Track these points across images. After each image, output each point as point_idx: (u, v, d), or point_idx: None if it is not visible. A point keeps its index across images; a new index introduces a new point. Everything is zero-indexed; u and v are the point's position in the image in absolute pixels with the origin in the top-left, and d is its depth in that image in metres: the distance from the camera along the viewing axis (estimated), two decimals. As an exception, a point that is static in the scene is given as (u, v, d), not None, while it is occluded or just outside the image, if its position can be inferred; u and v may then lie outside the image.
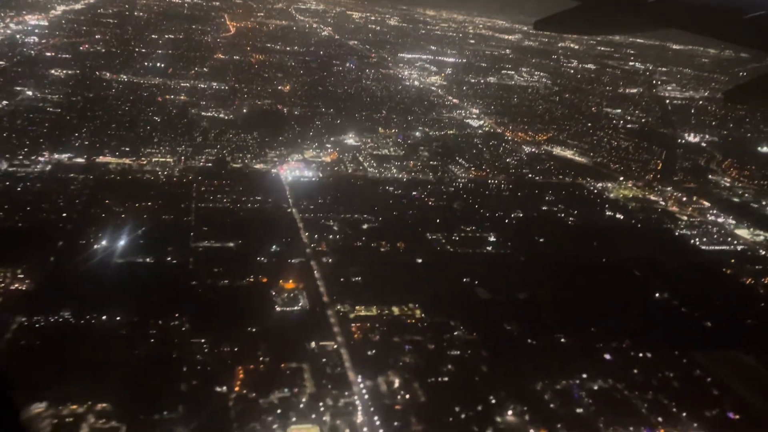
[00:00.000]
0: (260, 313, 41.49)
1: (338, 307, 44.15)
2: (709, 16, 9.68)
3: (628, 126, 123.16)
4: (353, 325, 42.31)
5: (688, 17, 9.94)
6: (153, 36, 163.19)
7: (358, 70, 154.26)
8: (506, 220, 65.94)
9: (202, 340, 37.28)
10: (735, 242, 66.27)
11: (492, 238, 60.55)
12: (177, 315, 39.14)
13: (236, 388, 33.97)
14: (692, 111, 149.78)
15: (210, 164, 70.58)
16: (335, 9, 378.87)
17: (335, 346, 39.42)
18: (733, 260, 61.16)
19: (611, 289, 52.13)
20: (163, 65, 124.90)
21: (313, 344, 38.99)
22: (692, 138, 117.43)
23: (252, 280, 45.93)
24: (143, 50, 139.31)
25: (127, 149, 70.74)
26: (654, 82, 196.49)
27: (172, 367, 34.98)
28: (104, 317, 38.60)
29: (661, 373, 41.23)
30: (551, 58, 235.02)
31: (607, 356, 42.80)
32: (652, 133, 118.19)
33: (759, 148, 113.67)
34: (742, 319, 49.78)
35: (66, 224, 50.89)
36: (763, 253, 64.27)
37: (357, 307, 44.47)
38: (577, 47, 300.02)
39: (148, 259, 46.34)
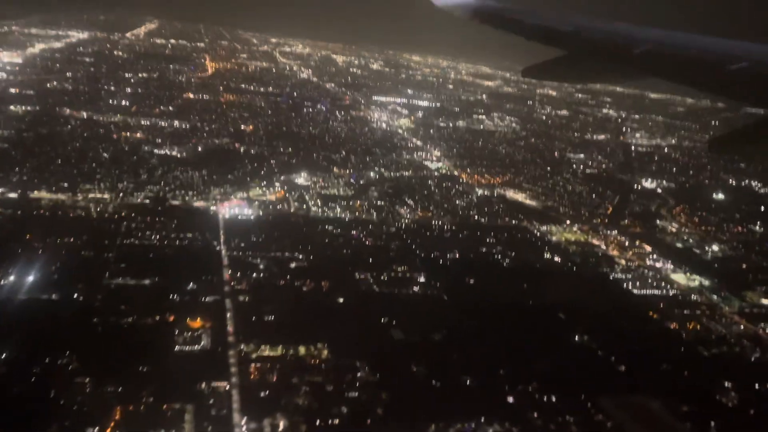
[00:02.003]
0: (157, 353, 40.80)
1: (242, 346, 43.56)
2: (693, 68, 9.93)
3: (587, 171, 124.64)
4: (253, 365, 41.69)
5: (673, 68, 10.20)
6: (126, 75, 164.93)
7: (328, 112, 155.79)
8: (440, 261, 65.96)
9: (87, 380, 36.47)
10: (669, 287, 66.39)
11: (421, 279, 60.43)
12: (67, 353, 38.36)
13: (108, 430, 33.10)
14: (655, 158, 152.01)
15: (147, 201, 70.34)
16: (320, 52, 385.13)
17: (227, 387, 38.71)
18: (662, 305, 61.14)
19: (531, 331, 51.87)
20: (128, 103, 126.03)
21: (203, 385, 38.25)
22: (649, 184, 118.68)
23: (158, 318, 45.34)
24: (112, 88, 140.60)
25: (66, 185, 70.63)
26: (623, 129, 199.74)
27: (47, 406, 34.13)
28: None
29: (561, 418, 40.71)
30: (526, 104, 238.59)
31: (510, 399, 42.28)
32: (610, 178, 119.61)
33: (714, 195, 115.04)
34: (658, 364, 49.49)
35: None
36: (695, 298, 64.34)
37: (262, 347, 43.89)
38: (555, 94, 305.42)
39: (53, 296, 45.74)
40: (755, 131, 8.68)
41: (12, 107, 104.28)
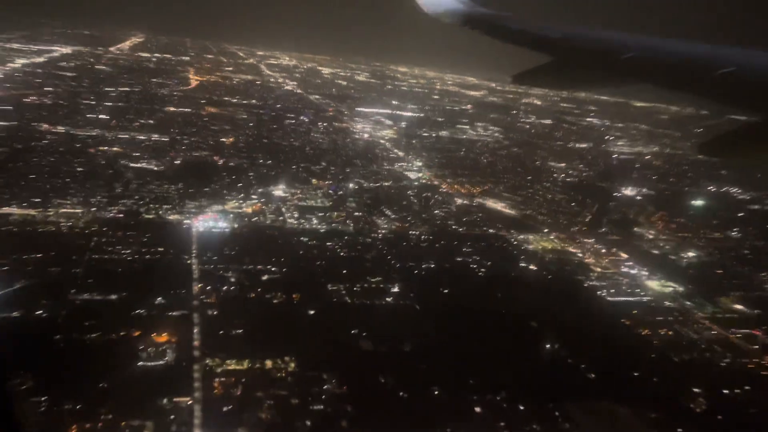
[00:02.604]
0: (119, 369, 40.31)
1: (207, 361, 43.14)
2: (680, 73, 9.99)
3: (568, 180, 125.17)
4: (217, 380, 41.26)
5: (660, 73, 10.24)
6: (107, 89, 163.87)
7: (310, 123, 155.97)
8: (415, 271, 65.83)
9: (43, 398, 35.91)
10: (643, 294, 66.63)
11: (395, 289, 60.21)
12: (23, 372, 37.76)
13: (63, 448, 32.62)
14: (636, 165, 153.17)
15: (120, 215, 69.82)
16: (306, 65, 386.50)
17: (189, 402, 38.27)
18: (635, 311, 61.28)
19: (502, 340, 51.80)
20: (107, 117, 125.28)
21: (165, 401, 37.80)
22: (628, 191, 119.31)
23: (123, 334, 44.78)
24: (92, 102, 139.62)
25: (37, 200, 69.88)
26: (606, 137, 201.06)
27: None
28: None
29: (527, 426, 40.60)
30: (510, 113, 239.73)
31: (478, 409, 42.11)
32: (589, 186, 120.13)
33: (692, 202, 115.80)
34: (627, 371, 49.54)
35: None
36: (668, 304, 64.54)
37: (227, 361, 43.47)
38: (540, 103, 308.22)
39: (14, 313, 45.08)
40: (744, 134, 8.84)
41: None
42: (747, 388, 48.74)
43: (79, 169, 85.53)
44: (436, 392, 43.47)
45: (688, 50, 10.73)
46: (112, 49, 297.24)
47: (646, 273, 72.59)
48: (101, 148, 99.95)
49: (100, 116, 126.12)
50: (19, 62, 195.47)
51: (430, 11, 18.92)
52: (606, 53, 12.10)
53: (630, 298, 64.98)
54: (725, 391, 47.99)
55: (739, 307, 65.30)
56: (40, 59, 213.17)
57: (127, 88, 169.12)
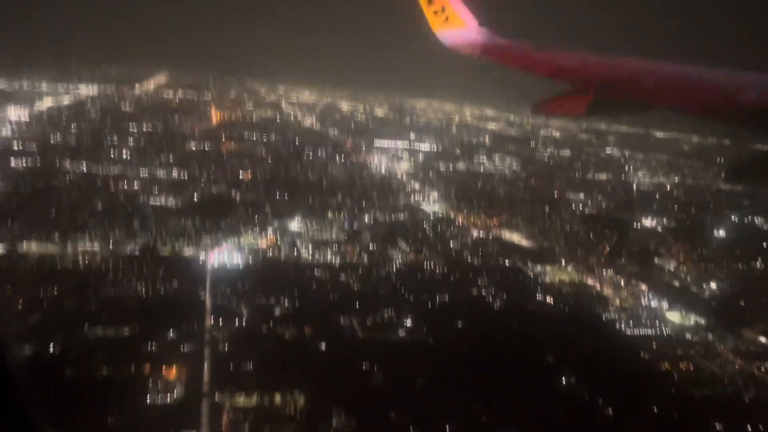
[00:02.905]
0: (127, 405, 40.28)
1: (216, 396, 42.96)
2: (702, 99, 10.07)
3: (586, 211, 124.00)
4: (225, 415, 41.02)
5: (681, 100, 10.40)
6: (130, 128, 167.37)
7: (328, 158, 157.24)
8: (429, 305, 65.24)
9: (51, 434, 35.87)
10: (663, 326, 65.21)
11: (408, 323, 59.71)
12: (32, 409, 37.75)
13: (68, 485, 32.44)
14: (657, 196, 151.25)
15: (137, 251, 70.58)
16: (326, 100, 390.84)
17: (197, 439, 37.99)
18: (655, 345, 59.89)
19: (517, 375, 50.71)
20: (128, 155, 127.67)
21: (172, 437, 37.61)
22: (648, 222, 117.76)
23: (133, 369, 44.90)
24: (115, 141, 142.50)
25: (56, 237, 71.03)
26: (626, 168, 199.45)
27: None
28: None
29: (541, 465, 39.53)
30: (529, 145, 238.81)
31: (490, 447, 41.17)
32: (609, 218, 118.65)
33: (714, 233, 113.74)
34: (647, 407, 48.16)
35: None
36: (689, 337, 63.03)
37: (236, 396, 43.28)
38: (558, 135, 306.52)
39: (27, 351, 45.41)
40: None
41: (12, 162, 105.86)
42: (772, 424, 46.99)
43: (99, 206, 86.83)
44: (447, 430, 42.61)
45: (709, 76, 10.72)
46: (136, 88, 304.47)
47: (666, 305, 71.04)
48: (121, 185, 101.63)
49: (123, 155, 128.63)
50: (47, 102, 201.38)
51: (449, 43, 19.13)
52: (626, 80, 12.03)
53: (650, 331, 63.64)
54: (749, 428, 46.28)
55: (763, 339, 63.47)
56: (67, 100, 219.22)
57: (150, 128, 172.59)
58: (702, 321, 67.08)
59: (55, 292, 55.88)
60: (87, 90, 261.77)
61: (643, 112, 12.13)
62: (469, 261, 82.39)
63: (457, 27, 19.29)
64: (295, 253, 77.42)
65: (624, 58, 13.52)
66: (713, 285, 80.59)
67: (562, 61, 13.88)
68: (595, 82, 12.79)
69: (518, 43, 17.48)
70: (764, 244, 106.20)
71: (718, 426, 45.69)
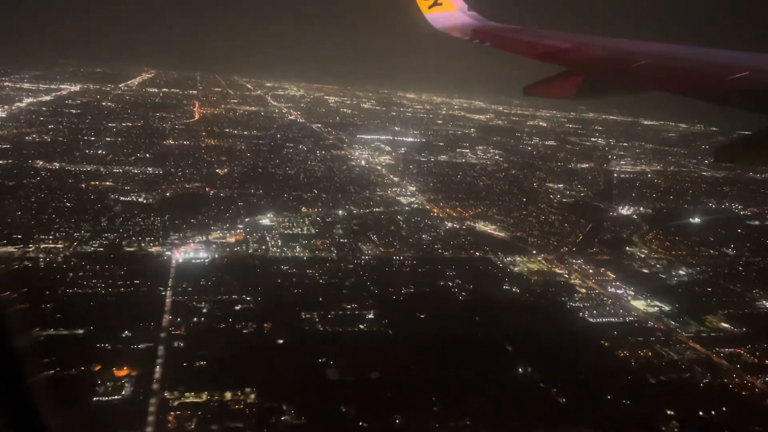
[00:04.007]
0: (72, 405, 39.93)
1: (165, 394, 42.74)
2: (693, 79, 9.93)
3: (564, 200, 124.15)
4: (172, 413, 40.80)
5: (673, 80, 10.23)
6: (110, 124, 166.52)
7: (308, 152, 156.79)
8: (394, 297, 65.19)
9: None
10: (626, 314, 65.32)
11: (370, 316, 59.61)
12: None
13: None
14: (637, 184, 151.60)
15: (101, 249, 70.16)
16: (314, 94, 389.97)
17: (140, 437, 37.83)
18: (615, 332, 60.01)
19: (474, 365, 50.89)
20: (104, 152, 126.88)
21: (114, 435, 37.43)
22: (625, 211, 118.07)
23: (83, 368, 44.61)
24: (92, 138, 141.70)
25: (19, 236, 70.51)
26: (609, 157, 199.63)
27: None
28: None
29: (488, 455, 39.60)
30: (514, 136, 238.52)
31: (438, 438, 41.20)
32: (585, 206, 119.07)
33: (690, 219, 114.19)
34: (600, 394, 48.28)
35: None
36: (651, 324, 63.16)
37: (187, 394, 43.05)
38: (545, 125, 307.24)
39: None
40: (759, 139, 8.73)
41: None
42: (724, 409, 47.19)
43: (67, 204, 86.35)
44: (397, 420, 42.61)
45: (700, 56, 10.67)
46: (121, 85, 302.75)
47: (632, 293, 71.18)
48: (93, 183, 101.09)
49: (98, 151, 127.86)
50: (26, 101, 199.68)
51: (439, 27, 18.92)
52: (618, 61, 11.98)
53: (612, 319, 63.70)
54: (701, 413, 46.48)
55: (725, 325, 63.70)
56: (48, 98, 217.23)
57: (129, 124, 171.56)
58: (666, 308, 67.22)
59: (8, 294, 55.04)
60: (69, 88, 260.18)
61: (634, 93, 12.14)
62: (440, 252, 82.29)
63: (447, 10, 19.12)
64: (263, 248, 76.99)
65: (615, 39, 13.47)
66: (682, 272, 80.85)
67: (553, 44, 13.80)
68: (587, 63, 12.76)
69: (508, 26, 17.34)
70: (739, 230, 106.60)
71: (669, 412, 45.74)
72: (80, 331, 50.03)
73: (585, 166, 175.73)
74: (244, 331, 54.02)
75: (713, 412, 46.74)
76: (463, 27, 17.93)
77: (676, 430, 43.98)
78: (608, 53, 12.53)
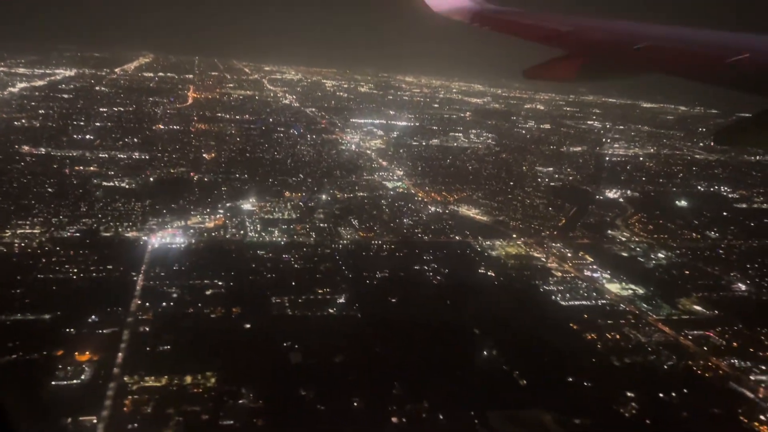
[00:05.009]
0: (30, 389, 40.35)
1: (125, 378, 43.06)
2: (694, 61, 9.98)
3: (552, 184, 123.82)
4: (130, 397, 41.13)
5: (673, 62, 10.23)
6: (101, 109, 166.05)
7: (299, 136, 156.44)
8: (368, 281, 65.39)
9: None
10: (599, 297, 65.40)
11: (341, 300, 59.78)
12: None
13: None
14: (627, 167, 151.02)
15: (77, 234, 70.38)
16: (311, 78, 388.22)
17: (95, 421, 38.18)
18: (586, 315, 60.14)
19: (439, 348, 51.15)
20: (92, 137, 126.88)
21: (69, 420, 37.75)
22: (612, 194, 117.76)
23: (45, 353, 44.92)
24: (81, 124, 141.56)
25: (-5, 221, 70.78)
26: (603, 140, 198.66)
27: None
28: None
29: (442, 437, 39.94)
30: (509, 119, 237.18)
31: (394, 419, 41.48)
32: (573, 190, 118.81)
33: (677, 203, 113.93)
34: (562, 376, 48.51)
35: None
36: (623, 307, 63.26)
37: (147, 378, 43.38)
38: (543, 108, 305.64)
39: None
40: (759, 120, 8.77)
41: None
42: (685, 391, 47.42)
43: (48, 190, 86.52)
44: (355, 404, 42.91)
45: (701, 37, 10.69)
46: (117, 70, 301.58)
47: (608, 276, 71.24)
48: (77, 168, 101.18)
49: (86, 137, 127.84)
50: (19, 86, 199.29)
51: (438, 10, 18.79)
52: (618, 44, 11.99)
53: (584, 302, 63.86)
54: (661, 395, 46.72)
55: (698, 308, 63.80)
56: (41, 83, 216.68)
57: (120, 108, 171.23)
58: (640, 291, 67.31)
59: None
60: (64, 73, 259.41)
61: (635, 75, 12.12)
62: (419, 237, 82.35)
63: None
64: (242, 233, 77.13)
65: (615, 21, 13.47)
66: (661, 255, 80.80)
67: (553, 27, 13.75)
68: (587, 46, 12.79)
69: (508, 8, 17.29)
70: (725, 213, 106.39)
71: (629, 394, 45.97)
72: (47, 317, 50.33)
73: (577, 149, 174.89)
74: (212, 315, 54.26)
75: (673, 394, 46.97)
76: (463, 10, 17.82)
77: (634, 411, 44.21)
78: (608, 35, 12.63)
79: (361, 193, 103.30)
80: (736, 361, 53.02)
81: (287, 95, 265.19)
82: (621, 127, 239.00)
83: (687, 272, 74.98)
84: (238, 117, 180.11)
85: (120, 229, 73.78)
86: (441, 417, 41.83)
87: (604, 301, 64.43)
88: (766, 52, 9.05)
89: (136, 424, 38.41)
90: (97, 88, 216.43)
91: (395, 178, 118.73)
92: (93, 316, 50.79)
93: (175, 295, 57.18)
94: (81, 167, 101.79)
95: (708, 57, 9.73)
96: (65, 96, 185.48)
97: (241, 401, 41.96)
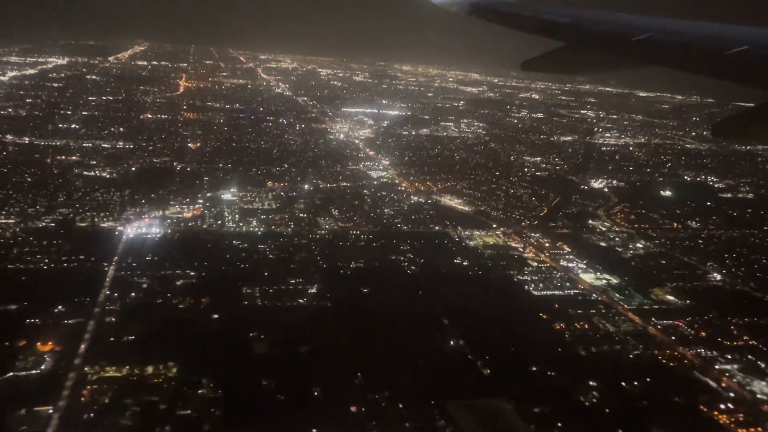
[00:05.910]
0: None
1: (85, 368, 43.12)
2: (692, 53, 9.97)
3: (537, 174, 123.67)
4: (89, 387, 41.19)
5: (672, 55, 10.20)
6: (90, 98, 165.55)
7: (288, 125, 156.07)
8: (341, 272, 65.38)
9: None
10: (572, 287, 65.41)
11: (312, 290, 59.79)
12: None
13: None
14: (616, 157, 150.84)
15: (52, 224, 70.27)
16: (306, 67, 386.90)
17: (50, 412, 38.24)
18: (556, 305, 60.16)
19: (406, 339, 51.24)
20: (78, 127, 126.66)
21: (23, 411, 37.81)
22: (597, 184, 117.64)
23: (6, 344, 44.94)
24: (68, 113, 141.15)
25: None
26: (595, 129, 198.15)
27: None
28: None
29: (399, 425, 40.04)
30: (503, 109, 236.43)
31: (353, 408, 41.58)
32: (558, 180, 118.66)
33: (662, 192, 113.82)
34: (526, 366, 48.61)
35: None
36: (594, 297, 63.28)
37: (107, 368, 43.44)
38: (538, 97, 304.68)
39: None
40: (758, 113, 8.75)
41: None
42: (648, 380, 47.52)
43: (28, 179, 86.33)
44: (315, 393, 43.02)
45: (699, 30, 10.65)
46: (110, 58, 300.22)
47: (584, 266, 71.26)
48: (59, 157, 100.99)
49: (72, 126, 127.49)
50: (9, 75, 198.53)
51: (438, 1, 18.68)
52: (617, 36, 11.94)
53: (557, 292, 63.87)
54: (623, 384, 46.83)
55: (670, 298, 63.86)
56: (32, 71, 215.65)
57: (109, 97, 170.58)
58: (614, 281, 67.32)
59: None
60: (56, 61, 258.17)
61: (634, 68, 12.06)
62: (398, 227, 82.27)
63: None
64: (219, 223, 77.03)
65: (615, 13, 13.32)
66: (640, 245, 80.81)
67: (552, 19, 13.66)
68: (586, 38, 12.67)
69: (508, 1, 17.27)
70: (708, 202, 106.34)
71: (591, 383, 46.08)
72: (13, 307, 50.36)
73: (568, 139, 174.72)
74: (180, 306, 54.29)
75: (636, 383, 47.04)
76: (461, 2, 17.74)
77: (594, 400, 44.33)
78: (608, 28, 12.47)
79: (344, 183, 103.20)
80: (703, 350, 53.07)
81: (280, 84, 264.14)
82: (614, 116, 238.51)
83: (663, 262, 75.02)
84: (228, 106, 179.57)
85: (96, 219, 73.69)
86: (401, 406, 41.89)
87: (577, 291, 64.47)
88: (765, 45, 9.06)
89: (92, 414, 38.47)
90: (88, 76, 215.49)
91: (380, 167, 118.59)
92: (60, 307, 50.79)
93: (145, 286, 57.17)
94: (63, 156, 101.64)
95: (707, 49, 9.73)
96: (55, 85, 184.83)
97: (200, 391, 42.04)
